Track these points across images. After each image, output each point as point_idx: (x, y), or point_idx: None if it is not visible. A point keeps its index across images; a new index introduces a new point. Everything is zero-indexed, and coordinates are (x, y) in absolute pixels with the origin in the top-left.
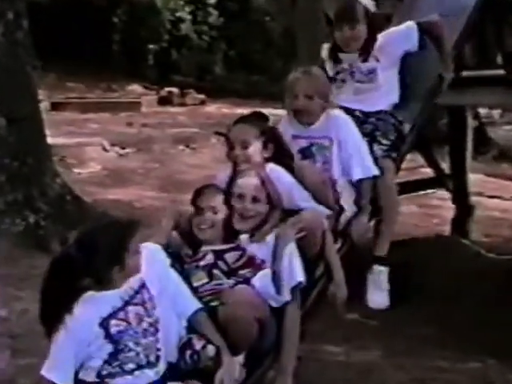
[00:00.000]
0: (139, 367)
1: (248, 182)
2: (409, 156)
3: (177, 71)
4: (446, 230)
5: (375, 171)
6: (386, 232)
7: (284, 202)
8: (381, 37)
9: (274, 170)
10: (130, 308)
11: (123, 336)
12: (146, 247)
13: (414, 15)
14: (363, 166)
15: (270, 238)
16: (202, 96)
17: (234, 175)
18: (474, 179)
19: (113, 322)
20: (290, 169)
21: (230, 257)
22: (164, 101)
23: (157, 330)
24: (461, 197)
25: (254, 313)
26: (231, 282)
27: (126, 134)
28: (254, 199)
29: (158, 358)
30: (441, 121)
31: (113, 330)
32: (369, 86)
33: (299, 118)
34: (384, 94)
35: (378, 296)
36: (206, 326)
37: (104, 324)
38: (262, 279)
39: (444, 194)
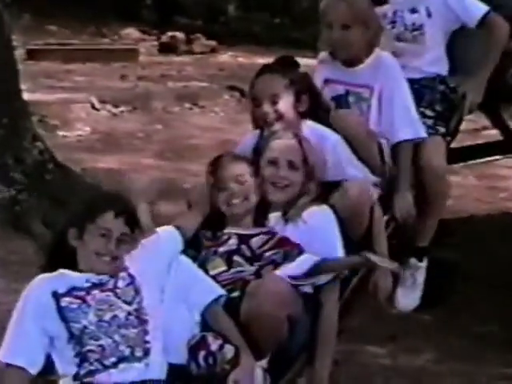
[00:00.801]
0: (122, 360)
1: (283, 143)
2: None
3: (182, 12)
4: None
5: (423, 133)
6: (431, 220)
7: (326, 171)
8: None
9: (313, 128)
10: (95, 292)
11: (77, 318)
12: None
13: None
14: (410, 125)
15: (308, 216)
16: (212, 42)
17: (262, 139)
18: None
19: (66, 298)
20: (328, 124)
21: (257, 241)
22: (166, 48)
23: (143, 321)
24: None
25: (285, 309)
26: (253, 268)
27: (119, 89)
28: (291, 165)
29: (146, 351)
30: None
31: (63, 304)
32: (412, 48)
33: (336, 55)
34: (430, 60)
35: (408, 297)
36: (224, 321)
37: (56, 296)
38: (299, 266)
39: None
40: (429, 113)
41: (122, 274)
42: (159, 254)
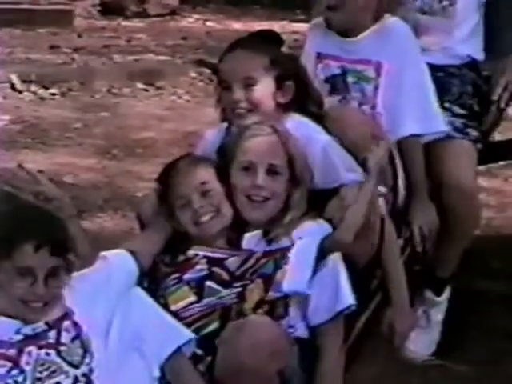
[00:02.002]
0: None
1: (261, 141)
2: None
3: None
4: None
5: (442, 126)
6: (453, 250)
7: (315, 176)
8: None
9: (298, 124)
10: (30, 348)
11: None
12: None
13: None
14: (423, 115)
15: (302, 234)
16: (172, 1)
17: (230, 135)
18: None
19: None
20: (319, 120)
21: (234, 261)
22: (110, 9)
23: None
24: None
25: (274, 362)
26: (236, 290)
27: (48, 64)
28: (271, 170)
29: None
30: None
31: None
32: (439, 22)
33: (333, 21)
34: (462, 38)
35: (421, 340)
36: (190, 379)
37: None
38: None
39: None
40: (457, 110)
41: (66, 324)
42: (109, 289)
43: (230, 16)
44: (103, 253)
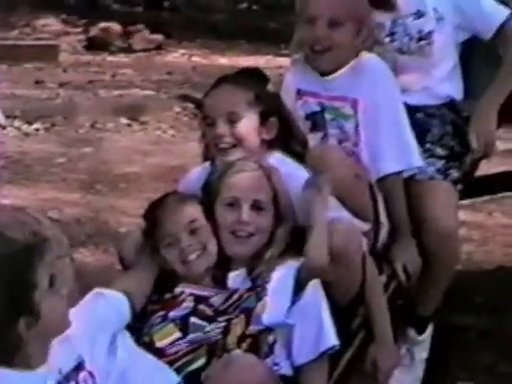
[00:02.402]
0: None
1: (246, 177)
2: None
3: None
4: None
5: (419, 162)
6: (434, 289)
7: (298, 215)
8: None
9: (281, 163)
10: None
11: None
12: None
13: None
14: (400, 151)
15: (280, 274)
16: (158, 36)
17: (214, 172)
18: None
19: None
20: (301, 159)
21: (219, 298)
22: (96, 44)
23: None
24: None
25: None
26: (220, 325)
27: (34, 99)
28: (255, 206)
29: None
30: None
31: None
32: (417, 62)
33: (316, 61)
34: (440, 78)
35: (406, 378)
36: None
37: None
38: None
39: None
40: (439, 151)
41: (83, 375)
42: (107, 332)
43: (215, 51)
44: (99, 290)
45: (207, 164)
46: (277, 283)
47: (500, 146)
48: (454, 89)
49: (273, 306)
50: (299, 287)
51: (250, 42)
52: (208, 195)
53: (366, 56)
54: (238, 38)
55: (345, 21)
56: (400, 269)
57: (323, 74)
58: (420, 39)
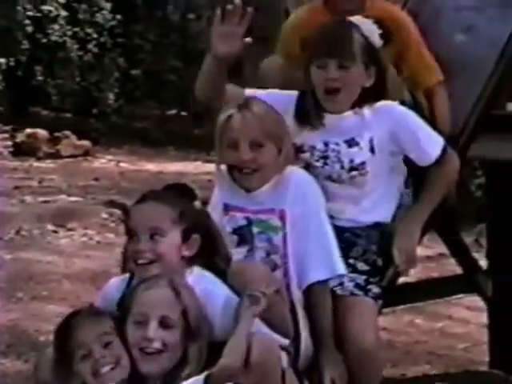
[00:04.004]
0: None
1: (154, 294)
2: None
3: (43, 100)
4: (482, 360)
5: (341, 269)
6: None
7: (215, 330)
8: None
9: (200, 278)
10: None
11: None
12: None
13: None
14: (326, 260)
15: None
16: (85, 142)
17: (131, 287)
18: None
19: None
20: (223, 275)
21: None
22: (22, 150)
23: None
24: (507, 307)
25: None
26: None
27: None
28: (163, 322)
29: None
30: (474, 180)
31: None
32: (347, 192)
33: (244, 181)
34: (368, 208)
35: None
36: None
37: None
38: None
39: (477, 301)
40: (361, 266)
41: None
42: None
43: (143, 157)
44: None
45: (126, 277)
46: None
47: (419, 252)
48: (382, 216)
49: None
50: None
51: (178, 149)
52: (122, 311)
53: (289, 169)
54: (166, 144)
55: (265, 142)
56: (329, 382)
57: (248, 190)
58: (351, 169)
